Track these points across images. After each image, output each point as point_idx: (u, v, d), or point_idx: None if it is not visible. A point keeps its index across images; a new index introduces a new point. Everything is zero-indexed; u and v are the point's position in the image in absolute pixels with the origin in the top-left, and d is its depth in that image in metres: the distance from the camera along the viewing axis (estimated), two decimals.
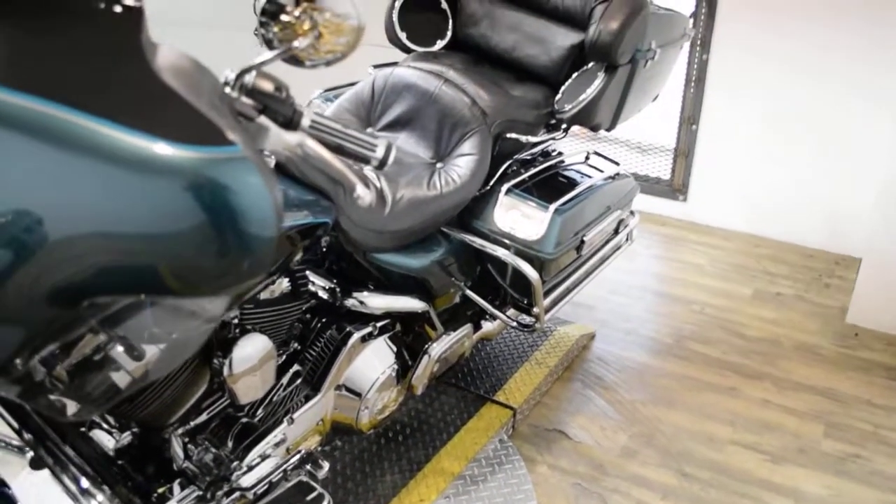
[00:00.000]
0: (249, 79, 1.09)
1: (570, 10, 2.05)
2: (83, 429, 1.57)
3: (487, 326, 2.21)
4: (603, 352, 2.75)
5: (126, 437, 1.60)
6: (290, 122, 1.12)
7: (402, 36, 2.19)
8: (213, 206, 0.91)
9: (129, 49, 0.86)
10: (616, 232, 2.42)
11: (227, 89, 1.07)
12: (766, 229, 3.57)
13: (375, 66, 2.11)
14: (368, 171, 1.79)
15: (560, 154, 2.31)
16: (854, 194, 3.30)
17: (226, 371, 1.46)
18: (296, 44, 1.10)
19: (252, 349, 1.49)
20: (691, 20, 2.42)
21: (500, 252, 1.91)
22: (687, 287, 3.19)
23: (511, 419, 2.30)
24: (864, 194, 3.23)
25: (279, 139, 1.06)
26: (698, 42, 3.43)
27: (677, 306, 3.05)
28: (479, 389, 2.41)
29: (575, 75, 2.04)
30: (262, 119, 1.06)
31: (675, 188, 3.74)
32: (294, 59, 1.14)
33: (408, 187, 1.78)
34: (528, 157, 2.21)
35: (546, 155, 2.30)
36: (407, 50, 2.22)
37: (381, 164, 1.18)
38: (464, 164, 1.85)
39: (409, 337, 1.99)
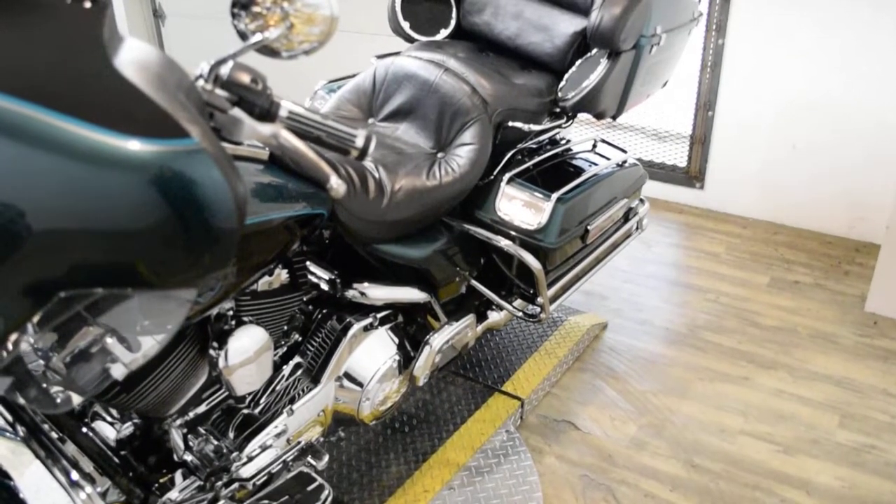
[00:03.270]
0: (224, 71, 1.08)
1: None
2: (87, 419, 1.59)
3: (494, 317, 2.19)
4: (615, 342, 2.72)
5: (127, 428, 1.62)
6: (267, 113, 1.11)
7: (405, 25, 2.17)
8: (168, 199, 0.91)
9: (88, 43, 0.86)
10: (625, 220, 2.39)
11: (201, 82, 1.07)
12: (785, 216, 3.51)
13: (378, 57, 2.09)
14: (368, 162, 1.78)
15: (567, 142, 2.28)
16: (875, 180, 3.23)
17: (221, 363, 1.46)
18: (267, 34, 1.09)
19: (248, 341, 1.49)
20: (702, 3, 2.36)
21: (503, 242, 1.89)
22: (702, 276, 3.15)
23: (519, 410, 2.29)
24: (886, 180, 3.16)
25: (253, 131, 1.05)
26: (714, 26, 3.37)
27: (692, 295, 3.01)
28: (486, 380, 2.40)
29: (578, 62, 2.01)
30: (236, 111, 1.06)
31: (692, 175, 3.69)
32: (269, 51, 1.13)
33: (407, 177, 1.76)
34: (534, 146, 2.18)
35: (553, 143, 2.28)
36: (410, 39, 2.21)
37: (362, 155, 1.17)
38: (464, 153, 1.84)
39: (412, 327, 1.98)
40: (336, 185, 1.08)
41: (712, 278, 3.13)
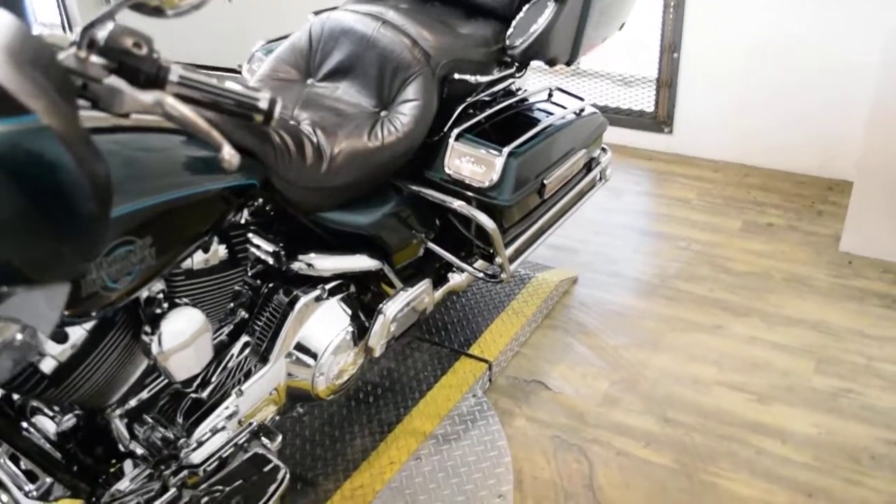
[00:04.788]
0: (101, 35, 0.97)
1: None
2: (26, 416, 1.50)
3: (454, 279, 2.11)
4: (585, 296, 2.65)
5: (69, 420, 1.53)
6: (155, 79, 1.00)
7: None
8: (9, 184, 0.81)
9: None
10: (588, 170, 2.31)
11: (73, 49, 0.96)
12: (756, 158, 3.43)
13: (315, 13, 1.97)
14: (306, 125, 1.68)
15: (523, 92, 2.18)
16: (845, 117, 3.15)
17: (155, 348, 1.37)
18: None
19: (182, 324, 1.40)
20: None
21: (454, 203, 1.80)
22: (673, 223, 3.07)
23: (486, 373, 2.22)
24: (856, 117, 3.07)
25: (134, 100, 0.95)
26: None
27: (663, 244, 2.94)
28: (452, 344, 2.33)
29: (526, 7, 1.90)
30: (112, 79, 0.95)
31: (660, 120, 3.59)
32: (150, 9, 1.02)
33: (347, 139, 1.66)
34: (487, 98, 2.08)
35: (508, 94, 2.18)
36: None
37: (267, 119, 1.07)
38: (407, 110, 1.73)
39: (366, 296, 1.90)
40: (228, 156, 0.98)
41: (683, 225, 3.06)
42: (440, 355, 2.28)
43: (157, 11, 1.01)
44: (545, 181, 1.92)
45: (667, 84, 3.50)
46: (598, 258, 2.86)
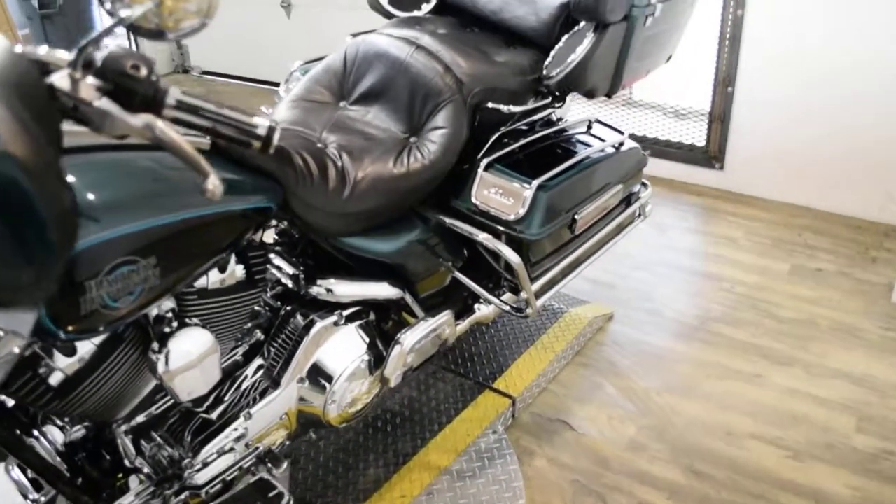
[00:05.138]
0: (100, 56, 0.96)
1: None
2: (37, 426, 1.50)
3: (481, 310, 2.06)
4: (620, 335, 2.57)
5: (78, 432, 1.53)
6: (152, 101, 0.99)
7: (384, 1, 2.03)
8: None
9: None
10: (627, 205, 2.24)
11: (68, 71, 0.94)
12: (810, 199, 3.30)
13: (353, 35, 1.96)
14: (332, 149, 1.66)
15: (562, 122, 2.13)
16: None
17: (160, 367, 1.36)
18: (128, 12, 0.96)
19: (189, 344, 1.38)
20: None
21: (480, 235, 1.76)
22: (719, 263, 2.97)
23: (510, 409, 2.16)
24: None
25: (124, 123, 0.93)
26: None
27: (706, 284, 2.84)
28: (477, 376, 2.27)
29: (566, 37, 1.85)
30: (103, 102, 0.93)
31: (711, 155, 3.49)
32: (149, 32, 1.00)
33: (373, 165, 1.63)
34: (525, 128, 2.03)
35: (548, 124, 2.13)
36: (389, 15, 2.07)
37: (265, 147, 1.04)
38: (435, 138, 1.70)
39: (387, 324, 1.86)
40: (212, 186, 0.96)
41: (729, 265, 2.95)
42: (463, 387, 2.22)
43: (157, 34, 1.00)
44: (577, 216, 1.86)
45: (720, 118, 3.40)
46: (637, 295, 2.77)
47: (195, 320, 1.43)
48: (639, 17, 1.83)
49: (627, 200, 2.21)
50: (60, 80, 0.94)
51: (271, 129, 1.03)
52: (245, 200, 1.36)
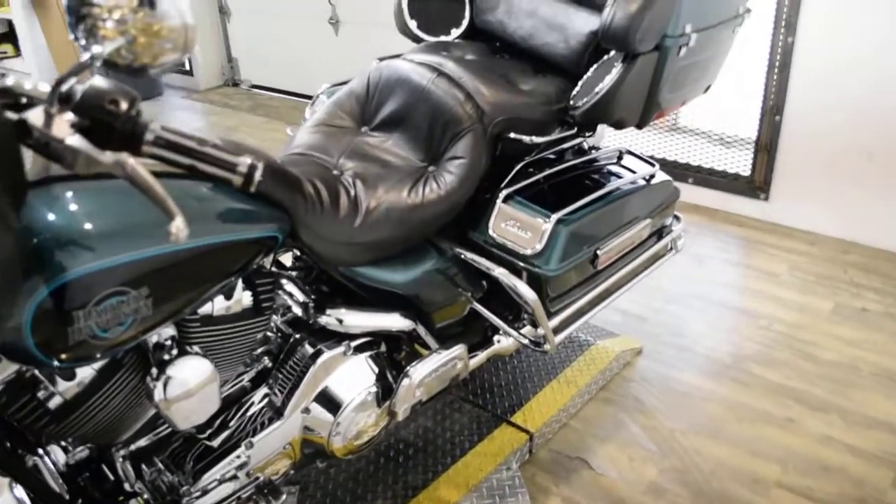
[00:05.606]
0: (79, 89, 0.94)
1: None
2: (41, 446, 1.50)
3: (501, 342, 2.00)
4: (648, 370, 2.49)
5: (81, 453, 1.52)
6: (130, 138, 0.96)
7: (412, 25, 2.01)
8: None
9: None
10: (659, 238, 2.16)
11: (44, 106, 0.93)
12: (858, 234, 3.17)
13: (380, 59, 1.94)
14: (347, 176, 1.63)
15: (592, 152, 2.07)
16: None
17: (157, 395, 1.34)
18: (99, 49, 0.94)
19: (187, 373, 1.36)
20: None
21: (496, 270, 1.71)
22: (758, 298, 2.86)
23: (526, 444, 2.10)
24: None
25: (93, 161, 0.90)
26: (783, 22, 3.06)
27: (742, 321, 2.74)
28: (496, 409, 2.21)
29: (595, 66, 1.79)
30: (73, 139, 0.90)
31: (756, 186, 3.38)
32: (119, 67, 0.98)
33: (387, 194, 1.60)
34: (552, 157, 1.98)
35: (579, 152, 2.07)
36: (418, 40, 2.04)
37: (245, 185, 1.01)
38: (453, 168, 1.66)
39: (399, 354, 1.82)
40: (175, 229, 0.92)
41: (768, 302, 2.84)
42: (480, 420, 2.17)
43: (135, 71, 0.97)
44: (599, 251, 1.80)
45: (766, 148, 3.29)
46: (668, 330, 2.68)
47: (196, 348, 1.41)
48: (672, 48, 1.76)
49: (658, 234, 2.14)
50: (35, 116, 0.92)
51: (252, 168, 1.00)
52: (248, 230, 1.34)
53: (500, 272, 1.70)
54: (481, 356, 1.96)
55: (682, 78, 1.89)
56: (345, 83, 1.97)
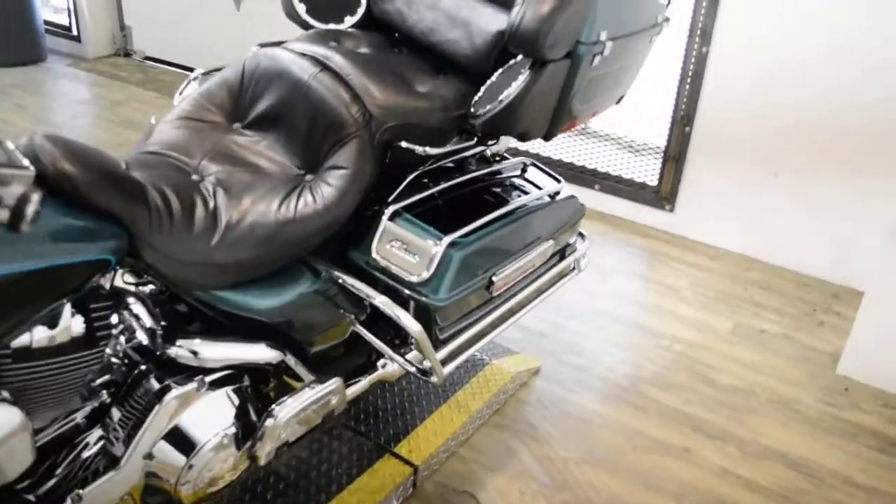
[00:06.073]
0: None
1: None
2: None
3: (387, 368, 1.81)
4: (545, 392, 2.35)
5: None
6: None
7: (301, 8, 1.77)
8: None
9: None
10: (561, 258, 2.01)
11: None
12: (760, 251, 3.13)
13: (261, 45, 1.69)
14: (208, 183, 1.40)
15: (495, 161, 1.90)
16: (863, 218, 2.85)
17: None
18: None
19: None
20: (675, 4, 1.96)
21: (377, 299, 1.51)
22: (659, 316, 2.77)
23: (411, 477, 1.92)
24: (875, 219, 2.78)
25: None
26: (698, 31, 2.97)
27: (643, 339, 2.64)
28: (379, 437, 2.02)
29: (500, 70, 1.61)
30: None
31: (663, 196, 3.30)
32: None
33: (254, 206, 1.38)
34: (451, 165, 1.79)
35: (483, 160, 1.90)
36: (307, 27, 1.81)
37: (15, 222, 0.78)
38: (333, 180, 1.44)
39: (267, 386, 1.60)
40: None
41: (669, 319, 2.75)
42: (362, 449, 1.97)
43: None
44: (494, 277, 1.63)
45: (674, 158, 3.21)
46: (568, 348, 2.55)
47: (4, 392, 1.15)
48: (585, 56, 1.60)
49: (561, 253, 1.99)
50: None
51: (22, 200, 0.77)
52: (69, 253, 1.10)
53: (381, 301, 1.50)
54: (363, 383, 1.77)
55: (595, 88, 1.74)
56: (218, 70, 1.72)
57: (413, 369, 1.72)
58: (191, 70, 5.05)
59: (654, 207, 3.33)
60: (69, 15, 5.39)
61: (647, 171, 3.36)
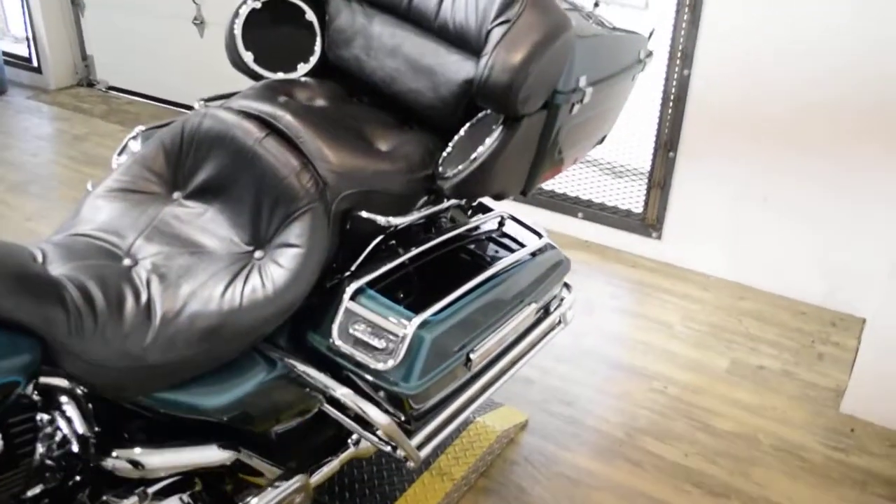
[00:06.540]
0: None
1: (463, 31, 1.45)
2: None
3: (361, 446, 1.65)
4: (533, 449, 2.19)
5: None
6: None
7: (248, 57, 1.61)
8: None
9: None
10: (546, 314, 1.86)
11: None
12: (753, 278, 2.99)
13: (205, 100, 1.53)
14: (142, 269, 1.23)
15: (470, 215, 1.74)
16: (856, 242, 2.72)
17: None
18: None
19: None
20: (652, 37, 1.82)
21: (338, 391, 1.35)
22: (651, 355, 2.62)
23: None
24: (872, 243, 2.66)
25: None
26: (679, 54, 2.83)
27: (635, 383, 2.49)
28: None
29: (469, 123, 1.46)
30: None
31: (649, 223, 3.16)
32: None
33: (193, 295, 1.21)
34: (423, 223, 1.63)
35: (456, 215, 1.74)
36: (256, 77, 1.64)
37: None
38: (284, 260, 1.28)
39: (224, 486, 1.43)
40: None
41: (662, 359, 2.60)
42: None
43: None
44: (472, 355, 1.47)
45: (659, 184, 3.07)
46: (556, 396, 2.40)
47: None
48: (563, 105, 1.45)
49: (545, 309, 1.83)
50: None
51: None
52: None
53: (343, 393, 1.34)
54: (334, 464, 1.61)
55: (576, 136, 1.59)
56: (166, 125, 1.55)
57: (388, 449, 1.55)
58: (155, 100, 4.84)
59: (640, 235, 3.19)
60: (29, 45, 5.20)
61: (632, 198, 3.22)
